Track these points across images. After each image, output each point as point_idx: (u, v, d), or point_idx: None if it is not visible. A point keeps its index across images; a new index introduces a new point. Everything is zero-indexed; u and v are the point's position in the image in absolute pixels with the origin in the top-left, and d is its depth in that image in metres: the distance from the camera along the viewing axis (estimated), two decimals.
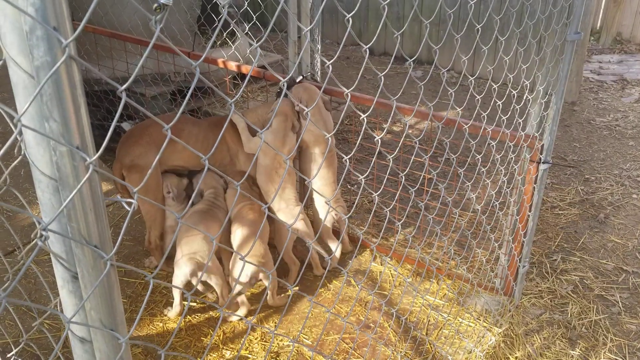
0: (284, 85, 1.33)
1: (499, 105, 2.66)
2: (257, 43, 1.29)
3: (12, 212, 4.28)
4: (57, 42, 0.84)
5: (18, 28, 0.85)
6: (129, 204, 1.03)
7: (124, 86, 0.94)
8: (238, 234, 3.40)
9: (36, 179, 0.96)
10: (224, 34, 5.10)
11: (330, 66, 1.43)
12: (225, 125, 1.46)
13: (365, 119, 1.69)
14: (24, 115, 0.89)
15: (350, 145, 5.46)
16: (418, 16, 7.70)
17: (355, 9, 1.52)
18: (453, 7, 6.84)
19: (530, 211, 3.20)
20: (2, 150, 0.86)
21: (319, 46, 3.76)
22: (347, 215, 1.89)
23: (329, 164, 3.70)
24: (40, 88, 0.85)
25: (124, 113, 5.01)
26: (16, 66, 0.88)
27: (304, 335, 3.32)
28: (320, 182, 3.66)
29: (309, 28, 1.43)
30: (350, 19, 1.37)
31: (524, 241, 3.29)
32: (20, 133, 0.93)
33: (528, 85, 2.93)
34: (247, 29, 4.20)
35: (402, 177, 2.08)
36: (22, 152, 1.03)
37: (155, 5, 0.96)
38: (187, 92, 5.06)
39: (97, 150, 0.96)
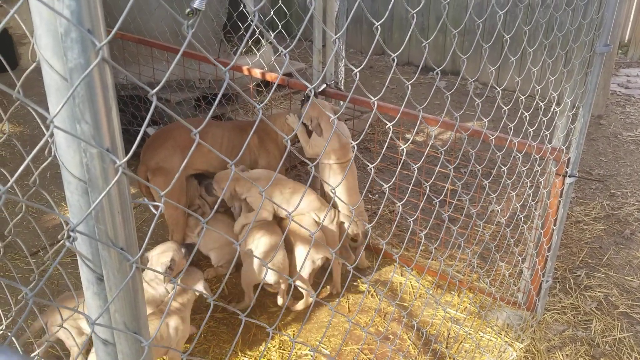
0: (311, 92, 1.33)
1: (525, 117, 2.62)
2: (285, 50, 1.29)
3: (38, 213, 4.34)
4: (91, 44, 0.85)
5: (53, 30, 0.85)
6: (156, 207, 1.04)
7: (155, 90, 0.95)
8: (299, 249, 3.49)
9: (66, 180, 0.97)
10: (249, 42, 5.14)
11: (358, 74, 1.42)
12: (253, 129, 1.45)
13: (391, 127, 1.68)
14: (56, 117, 0.90)
15: (372, 155, 5.44)
16: (442, 27, 7.68)
17: (384, 18, 1.51)
18: (480, 18, 6.79)
19: (555, 225, 3.15)
20: (34, 151, 0.87)
21: (343, 54, 3.76)
22: (370, 225, 1.88)
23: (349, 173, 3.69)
24: (73, 90, 0.86)
25: None
26: (50, 68, 0.88)
27: (323, 345, 3.30)
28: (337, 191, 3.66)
29: (337, 36, 1.43)
30: (379, 27, 1.37)
31: (547, 255, 3.24)
32: (52, 135, 0.94)
33: (555, 97, 2.89)
34: (272, 36, 4.23)
35: (426, 186, 2.06)
36: (52, 154, 1.04)
37: (188, 10, 0.96)
38: (211, 98, 5.11)
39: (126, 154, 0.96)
